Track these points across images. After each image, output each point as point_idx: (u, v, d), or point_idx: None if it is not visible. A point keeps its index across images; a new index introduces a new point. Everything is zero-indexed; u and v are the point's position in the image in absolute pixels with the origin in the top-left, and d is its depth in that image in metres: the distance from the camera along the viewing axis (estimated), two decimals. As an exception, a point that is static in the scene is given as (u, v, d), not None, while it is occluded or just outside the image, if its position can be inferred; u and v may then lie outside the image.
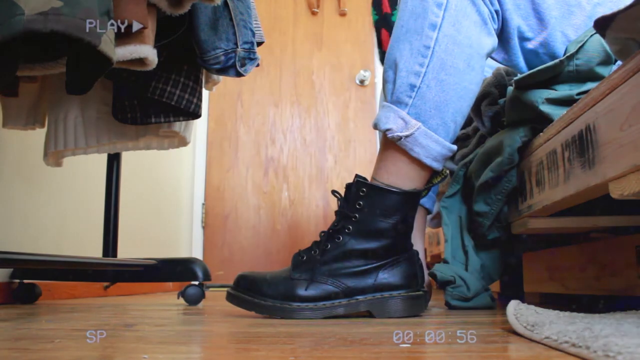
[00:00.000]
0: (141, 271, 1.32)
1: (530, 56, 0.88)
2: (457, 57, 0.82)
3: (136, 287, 2.03)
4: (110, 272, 1.36)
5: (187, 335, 0.61)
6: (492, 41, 0.86)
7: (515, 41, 0.87)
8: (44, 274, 1.37)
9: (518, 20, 0.86)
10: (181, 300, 1.33)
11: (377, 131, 0.89)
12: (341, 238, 0.82)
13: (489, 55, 0.87)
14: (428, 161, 0.82)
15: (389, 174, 0.84)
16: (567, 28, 0.84)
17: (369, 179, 0.85)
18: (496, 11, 0.85)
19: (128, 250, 1.67)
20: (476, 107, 1.07)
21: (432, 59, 0.81)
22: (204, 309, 1.12)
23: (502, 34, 0.88)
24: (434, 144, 0.82)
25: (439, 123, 0.82)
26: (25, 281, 1.35)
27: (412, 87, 0.81)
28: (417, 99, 0.81)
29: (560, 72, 0.80)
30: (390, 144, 0.84)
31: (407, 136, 0.81)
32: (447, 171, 0.87)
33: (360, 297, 0.82)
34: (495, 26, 0.86)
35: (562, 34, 0.84)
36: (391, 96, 0.84)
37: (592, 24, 0.84)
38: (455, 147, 0.84)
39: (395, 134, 0.81)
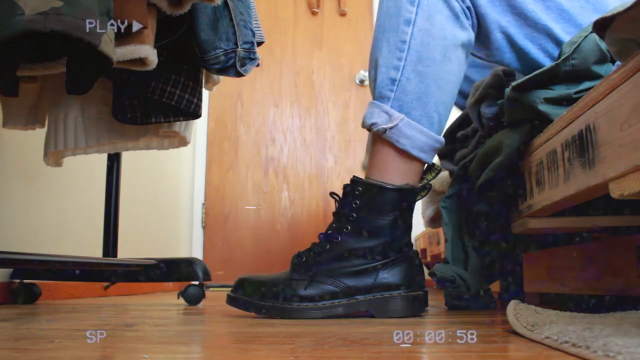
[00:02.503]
0: (141, 271, 1.32)
1: (520, 52, 0.89)
2: (433, 48, 0.84)
3: (136, 287, 2.03)
4: (110, 272, 1.36)
5: (187, 335, 0.61)
6: (467, 34, 0.87)
7: (496, 35, 0.88)
8: (44, 274, 1.37)
9: (495, 16, 0.87)
10: (181, 300, 1.33)
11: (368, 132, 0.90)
12: (340, 237, 0.83)
13: (468, 48, 0.89)
14: (415, 152, 0.84)
15: (381, 171, 0.85)
16: (549, 22, 0.85)
17: (365, 179, 0.86)
18: (468, 7, 0.87)
19: (128, 250, 1.67)
20: (476, 110, 1.07)
21: (409, 52, 0.84)
22: (204, 309, 1.12)
23: (481, 30, 0.89)
24: (418, 134, 0.83)
25: (421, 114, 0.84)
26: (25, 281, 1.35)
27: (393, 81, 0.84)
28: (399, 92, 0.84)
29: (557, 73, 0.81)
30: (378, 139, 0.85)
31: (391, 128, 0.83)
32: (440, 166, 0.89)
33: (360, 297, 0.82)
34: (469, 22, 0.88)
35: (545, 28, 0.85)
36: (374, 93, 0.87)
37: (571, 14, 0.85)
38: (442, 139, 0.86)
39: (380, 127, 0.83)
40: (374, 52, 0.88)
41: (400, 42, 0.84)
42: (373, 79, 0.87)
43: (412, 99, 0.83)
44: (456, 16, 0.86)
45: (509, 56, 0.90)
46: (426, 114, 0.84)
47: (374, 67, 0.87)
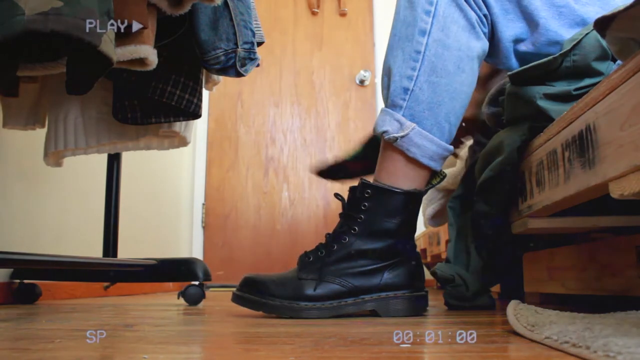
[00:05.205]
0: (141, 271, 1.32)
1: (526, 57, 0.89)
2: (447, 60, 0.85)
3: (136, 287, 2.03)
4: (110, 272, 1.36)
5: (187, 335, 0.61)
6: (481, 44, 0.88)
7: (504, 44, 0.89)
8: (44, 274, 1.37)
9: (507, 24, 0.88)
10: (181, 300, 1.33)
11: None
12: (347, 239, 0.84)
13: (482, 58, 0.89)
14: (425, 160, 0.84)
15: (390, 175, 0.86)
16: (559, 29, 0.85)
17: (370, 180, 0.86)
18: (484, 15, 0.88)
19: (128, 250, 1.67)
20: None
21: (423, 63, 0.84)
22: (204, 309, 1.12)
23: (493, 38, 0.90)
24: (429, 143, 0.84)
25: (433, 123, 0.85)
26: (25, 281, 1.35)
27: (406, 90, 0.85)
28: (411, 101, 0.84)
29: (555, 68, 0.81)
30: (388, 146, 0.86)
31: (402, 137, 0.84)
32: (445, 172, 0.89)
33: (366, 297, 0.83)
34: (485, 30, 0.88)
35: (555, 34, 0.85)
36: (387, 101, 0.88)
37: (582, 23, 0.85)
38: (452, 147, 0.87)
39: (392, 135, 0.84)
40: (388, 60, 0.88)
41: (415, 52, 0.85)
42: (386, 86, 0.88)
43: (423, 109, 0.84)
44: (472, 26, 0.86)
45: (514, 62, 0.91)
46: (437, 124, 0.85)
47: (387, 75, 0.88)
